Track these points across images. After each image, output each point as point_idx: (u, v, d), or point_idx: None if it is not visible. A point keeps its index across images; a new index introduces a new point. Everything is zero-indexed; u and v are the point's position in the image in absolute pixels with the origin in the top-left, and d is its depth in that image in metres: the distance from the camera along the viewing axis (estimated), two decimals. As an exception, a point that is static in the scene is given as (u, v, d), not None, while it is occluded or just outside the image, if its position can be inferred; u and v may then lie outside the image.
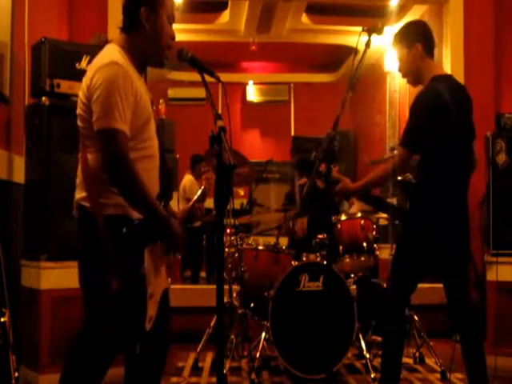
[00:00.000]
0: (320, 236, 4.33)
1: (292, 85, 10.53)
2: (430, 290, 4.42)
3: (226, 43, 8.56)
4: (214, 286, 2.03)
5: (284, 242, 4.76)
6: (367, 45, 2.83)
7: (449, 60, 5.58)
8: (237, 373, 4.06)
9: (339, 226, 4.17)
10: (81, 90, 2.17)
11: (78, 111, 2.17)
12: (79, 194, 2.18)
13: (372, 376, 3.76)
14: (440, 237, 2.89)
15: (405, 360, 4.20)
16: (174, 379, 3.89)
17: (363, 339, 3.98)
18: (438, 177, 2.89)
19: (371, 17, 6.86)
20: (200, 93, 9.01)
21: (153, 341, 2.24)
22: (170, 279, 2.22)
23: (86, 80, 2.14)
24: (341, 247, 4.12)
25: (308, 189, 4.40)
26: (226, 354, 4.00)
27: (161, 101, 6.14)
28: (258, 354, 3.84)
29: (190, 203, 2.48)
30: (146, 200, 2.09)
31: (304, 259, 4.14)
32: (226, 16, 7.61)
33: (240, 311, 4.13)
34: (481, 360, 2.89)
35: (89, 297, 2.19)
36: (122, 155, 2.04)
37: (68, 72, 3.56)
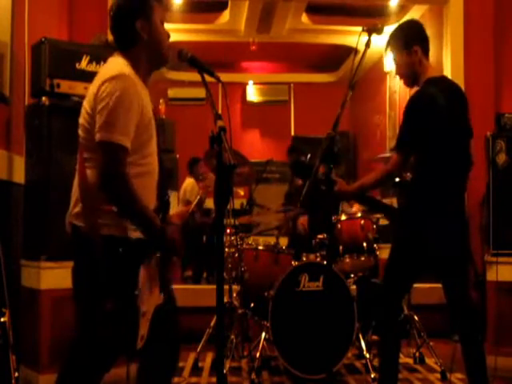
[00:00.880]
0: (320, 236, 4.33)
1: (292, 85, 10.53)
2: (429, 290, 4.42)
3: (226, 43, 8.56)
4: (214, 286, 2.03)
5: (284, 242, 4.76)
6: (367, 45, 2.83)
7: (449, 60, 5.58)
8: (237, 373, 4.06)
9: (339, 225, 4.17)
10: (86, 99, 2.13)
11: (81, 121, 2.14)
12: (73, 208, 2.15)
13: (372, 376, 3.76)
14: (436, 236, 2.89)
15: (405, 360, 4.21)
16: (174, 379, 3.89)
17: (363, 339, 3.98)
18: (433, 177, 2.89)
19: (371, 17, 6.87)
20: (200, 93, 9.02)
21: (164, 343, 2.26)
22: (162, 295, 2.21)
23: (92, 89, 2.11)
24: (341, 247, 4.12)
25: (308, 189, 4.39)
26: (226, 354, 4.00)
27: (161, 101, 6.14)
28: (258, 354, 3.84)
29: (189, 208, 2.48)
30: (142, 213, 2.07)
31: (304, 259, 4.14)
32: (226, 16, 7.61)
33: (240, 311, 4.13)
34: (481, 360, 2.89)
35: (81, 313, 2.19)
36: (120, 170, 2.02)
37: (68, 72, 3.56)
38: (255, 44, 8.48)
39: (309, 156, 5.55)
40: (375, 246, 4.17)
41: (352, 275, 4.29)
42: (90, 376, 2.16)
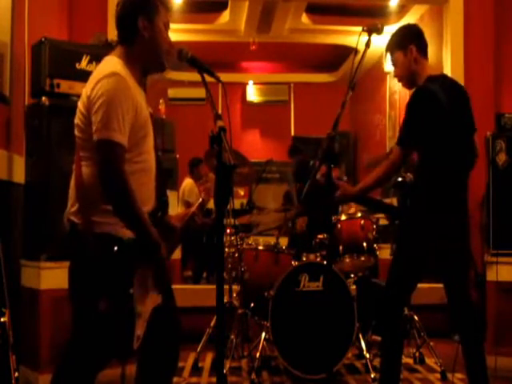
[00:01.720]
0: (320, 236, 4.33)
1: (292, 85, 10.53)
2: (429, 290, 4.42)
3: (226, 43, 8.56)
4: (214, 286, 2.03)
5: (284, 242, 4.76)
6: (367, 45, 2.82)
7: (449, 60, 5.58)
8: (237, 373, 4.06)
9: (339, 225, 4.17)
10: (80, 100, 2.15)
11: (77, 121, 2.16)
12: (71, 207, 2.17)
13: (372, 376, 3.76)
14: (438, 234, 2.89)
15: (405, 360, 4.20)
16: (174, 379, 3.88)
17: (363, 339, 3.98)
18: (436, 174, 2.89)
19: (371, 17, 6.86)
20: (200, 93, 9.00)
21: (164, 343, 2.26)
22: (160, 296, 2.21)
23: (86, 90, 2.12)
24: (341, 247, 4.12)
25: (308, 189, 4.39)
26: (226, 354, 4.00)
27: (161, 101, 6.12)
28: (258, 354, 3.84)
29: (190, 210, 2.46)
30: (137, 216, 2.06)
31: (304, 259, 4.14)
32: (226, 16, 7.61)
33: (240, 311, 4.14)
34: (481, 360, 2.89)
35: (77, 312, 2.19)
36: (118, 167, 2.03)
37: (68, 72, 3.56)
38: (255, 44, 8.47)
39: (312, 162, 5.54)
40: (375, 245, 4.17)
41: (352, 275, 4.29)
42: (83, 375, 2.17)
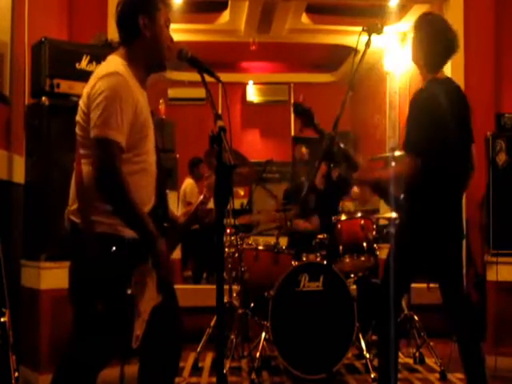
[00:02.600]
0: (320, 236, 4.33)
1: (292, 85, 10.52)
2: (429, 290, 4.41)
3: (226, 43, 8.55)
4: (214, 286, 2.03)
5: (284, 242, 4.76)
6: (367, 45, 2.82)
7: (449, 60, 5.58)
8: (237, 373, 4.06)
9: (339, 225, 4.17)
10: (82, 98, 2.16)
11: (77, 118, 2.17)
12: (71, 205, 2.17)
13: (372, 376, 3.76)
14: (434, 236, 2.90)
15: (405, 360, 4.21)
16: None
17: (363, 339, 3.98)
18: (431, 178, 2.88)
19: (371, 17, 6.85)
20: (200, 93, 9.00)
21: (166, 343, 2.26)
22: (160, 295, 2.20)
23: (87, 89, 2.14)
24: (341, 247, 4.12)
25: (308, 189, 4.39)
26: (226, 354, 4.00)
27: (161, 101, 6.12)
28: (258, 354, 3.85)
29: (193, 206, 2.46)
30: (134, 212, 2.06)
31: (304, 259, 4.14)
32: (226, 16, 7.61)
33: (240, 311, 4.14)
34: (479, 360, 2.89)
35: (76, 312, 2.19)
36: (114, 165, 2.03)
37: (68, 72, 3.56)
38: (255, 44, 8.47)
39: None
40: (375, 245, 4.17)
41: (352, 275, 4.29)
42: (84, 375, 2.17)
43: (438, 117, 2.84)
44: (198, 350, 4.18)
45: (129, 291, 2.01)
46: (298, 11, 7.47)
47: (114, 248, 2.04)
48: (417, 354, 4.26)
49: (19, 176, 3.67)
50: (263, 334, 3.88)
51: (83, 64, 3.58)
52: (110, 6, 4.98)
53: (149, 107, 2.27)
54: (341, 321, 3.77)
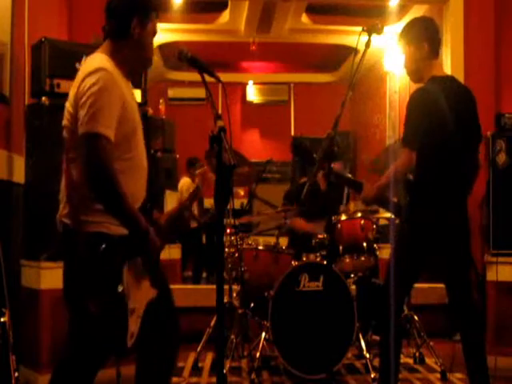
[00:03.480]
0: (320, 236, 4.33)
1: (292, 85, 10.52)
2: (429, 290, 4.42)
3: (226, 43, 8.56)
4: (214, 286, 2.03)
5: (284, 242, 4.76)
6: (367, 45, 2.82)
7: (449, 60, 5.58)
8: (237, 373, 4.06)
9: (339, 225, 4.17)
10: (68, 100, 2.16)
11: (65, 122, 2.16)
12: (62, 209, 2.17)
13: (372, 376, 3.76)
14: (438, 236, 2.89)
15: (405, 360, 4.21)
16: (174, 379, 3.88)
17: (363, 339, 3.98)
18: (431, 176, 2.88)
19: (371, 17, 6.86)
20: (200, 93, 9.01)
21: (163, 342, 2.26)
22: (154, 290, 2.20)
23: (72, 89, 2.14)
24: (341, 247, 4.12)
25: (308, 189, 4.39)
26: (226, 354, 4.00)
27: (161, 101, 6.12)
28: (258, 354, 3.84)
29: (177, 207, 2.44)
30: (125, 206, 2.06)
31: (304, 259, 4.13)
32: (226, 16, 7.61)
33: (240, 311, 4.13)
34: (482, 360, 2.89)
35: (71, 312, 2.19)
36: (104, 159, 2.02)
37: (68, 72, 3.54)
38: (255, 44, 8.47)
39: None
40: (375, 245, 4.17)
41: (352, 275, 4.29)
42: (82, 375, 2.17)
43: (435, 111, 2.83)
44: (198, 350, 4.18)
45: (120, 288, 2.00)
46: (298, 11, 7.47)
47: (103, 246, 2.03)
48: (417, 354, 4.26)
49: (19, 176, 3.67)
50: (263, 334, 3.88)
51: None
52: None
53: (135, 100, 2.27)
54: (341, 321, 3.77)
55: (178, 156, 5.72)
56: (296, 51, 9.36)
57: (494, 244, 4.11)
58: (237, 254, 4.17)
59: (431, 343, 4.11)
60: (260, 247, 4.20)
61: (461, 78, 5.22)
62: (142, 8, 2.25)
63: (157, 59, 8.00)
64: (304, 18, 7.72)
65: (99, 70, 2.10)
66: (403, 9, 7.00)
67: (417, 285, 4.05)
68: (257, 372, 3.77)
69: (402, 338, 3.11)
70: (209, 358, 4.40)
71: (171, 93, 9.68)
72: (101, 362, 2.21)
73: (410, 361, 4.27)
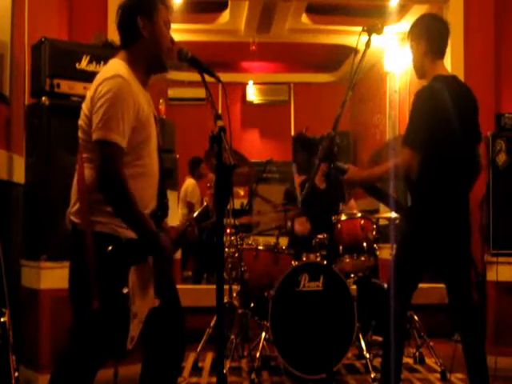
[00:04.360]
0: (320, 236, 4.33)
1: (292, 85, 10.51)
2: (429, 290, 4.42)
3: (226, 43, 8.55)
4: (214, 286, 2.03)
5: (284, 242, 4.76)
6: (367, 45, 2.82)
7: (449, 60, 5.57)
8: (237, 373, 4.06)
9: (339, 225, 4.17)
10: (84, 102, 2.17)
11: (80, 122, 2.18)
12: (72, 207, 2.19)
13: (372, 376, 3.76)
14: (440, 236, 2.89)
15: (405, 360, 4.20)
16: (174, 379, 3.89)
17: (363, 339, 3.98)
18: (434, 176, 2.88)
19: (371, 17, 6.85)
20: (200, 93, 9.00)
21: (168, 344, 2.26)
22: (157, 299, 2.20)
23: (90, 92, 2.14)
24: (341, 247, 4.12)
25: (308, 189, 4.39)
26: (226, 354, 4.00)
27: (161, 101, 6.12)
28: (258, 354, 3.85)
29: (181, 225, 2.43)
30: (136, 214, 2.07)
31: (304, 259, 4.14)
32: (225, 16, 7.61)
33: (240, 311, 4.14)
34: (482, 360, 2.88)
35: (75, 312, 2.19)
36: (115, 167, 2.04)
37: (68, 72, 3.56)
38: (255, 44, 8.47)
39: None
40: (375, 245, 4.17)
41: (352, 275, 4.29)
42: (81, 375, 2.17)
43: (440, 108, 2.83)
44: (198, 350, 4.18)
45: (125, 290, 2.01)
46: (298, 11, 7.47)
47: (110, 247, 2.04)
48: (417, 354, 4.26)
49: (19, 176, 3.67)
50: (263, 334, 3.88)
51: (83, 64, 3.58)
52: (109, 6, 4.98)
53: (152, 109, 2.27)
54: (341, 321, 3.77)
55: (178, 156, 5.72)
56: (296, 51, 9.36)
57: (494, 244, 4.11)
58: (237, 254, 4.17)
59: (431, 343, 4.11)
60: (260, 247, 4.20)
61: (461, 77, 5.20)
62: (143, 4, 2.23)
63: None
64: (304, 18, 7.71)
65: (116, 76, 2.10)
66: (403, 9, 7.00)
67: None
68: (257, 372, 3.77)
69: (404, 340, 3.11)
70: (209, 358, 4.41)
71: (171, 93, 9.67)
72: (100, 362, 2.21)
73: (410, 361, 4.27)
